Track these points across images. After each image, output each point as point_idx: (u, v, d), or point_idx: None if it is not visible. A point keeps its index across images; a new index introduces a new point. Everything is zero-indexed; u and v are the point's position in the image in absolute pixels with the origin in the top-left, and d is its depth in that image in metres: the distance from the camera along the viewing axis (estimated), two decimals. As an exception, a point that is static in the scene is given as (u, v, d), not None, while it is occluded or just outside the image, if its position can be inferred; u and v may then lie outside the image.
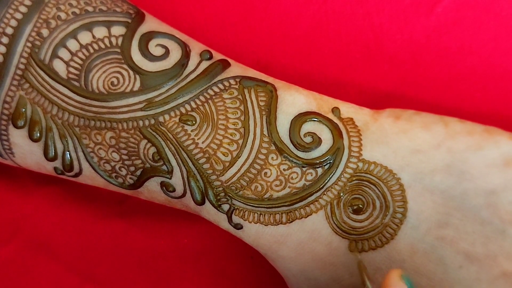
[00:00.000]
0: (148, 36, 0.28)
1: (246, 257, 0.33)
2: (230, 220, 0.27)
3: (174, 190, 0.27)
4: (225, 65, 0.28)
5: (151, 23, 0.28)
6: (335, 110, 0.28)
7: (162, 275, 0.33)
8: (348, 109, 0.28)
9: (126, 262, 0.34)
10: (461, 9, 0.32)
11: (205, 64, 0.28)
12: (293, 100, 0.27)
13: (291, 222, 0.26)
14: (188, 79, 0.27)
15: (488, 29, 0.32)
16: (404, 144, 0.27)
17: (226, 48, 0.32)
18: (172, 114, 0.27)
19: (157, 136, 0.26)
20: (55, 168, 0.28)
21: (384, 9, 0.33)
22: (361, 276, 0.24)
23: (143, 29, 0.28)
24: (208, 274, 0.33)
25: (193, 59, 0.28)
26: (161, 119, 0.26)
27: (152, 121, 0.26)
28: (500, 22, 0.32)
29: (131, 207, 0.34)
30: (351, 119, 0.27)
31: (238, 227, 0.27)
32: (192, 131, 0.26)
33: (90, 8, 0.28)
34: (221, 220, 0.27)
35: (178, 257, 0.33)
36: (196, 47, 0.28)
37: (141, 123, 0.27)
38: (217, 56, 0.28)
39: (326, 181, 0.26)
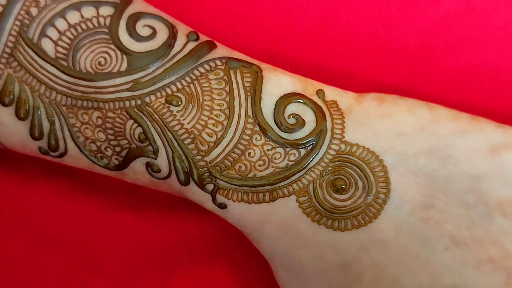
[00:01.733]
0: (136, 17, 0.28)
1: (256, 248, 0.33)
2: (214, 199, 0.27)
3: (159, 171, 0.27)
4: (211, 46, 0.28)
5: (139, 4, 0.29)
6: (320, 93, 0.28)
7: (171, 267, 0.33)
8: (332, 92, 0.28)
9: (134, 254, 0.33)
10: None
11: (191, 45, 0.28)
12: (279, 81, 0.28)
13: (274, 200, 0.27)
14: (175, 60, 0.27)
15: (498, 17, 0.32)
16: (387, 127, 0.27)
17: (234, 39, 0.32)
18: (158, 95, 0.27)
19: (143, 116, 0.27)
20: (40, 148, 0.28)
21: None
22: None
23: (130, 9, 0.28)
24: (218, 266, 0.33)
25: (180, 40, 0.28)
26: (147, 99, 0.27)
27: (139, 102, 0.27)
28: (509, 10, 0.32)
29: (139, 199, 0.34)
30: (335, 102, 0.28)
31: (222, 206, 0.27)
32: (177, 111, 0.27)
33: None
34: (205, 200, 0.27)
35: (187, 249, 0.33)
36: (183, 28, 0.29)
37: (127, 103, 0.27)
38: (204, 38, 0.29)
39: (309, 161, 0.27)
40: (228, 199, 0.27)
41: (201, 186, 0.27)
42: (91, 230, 0.34)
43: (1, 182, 0.34)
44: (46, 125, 0.27)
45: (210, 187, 0.27)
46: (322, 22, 0.33)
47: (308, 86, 0.28)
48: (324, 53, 0.33)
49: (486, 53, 0.32)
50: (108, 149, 0.27)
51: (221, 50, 0.28)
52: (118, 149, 0.27)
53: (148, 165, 0.27)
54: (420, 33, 0.32)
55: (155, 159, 0.27)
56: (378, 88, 0.33)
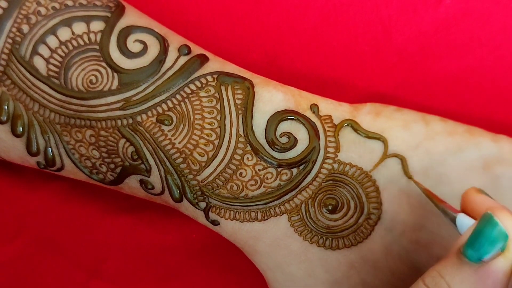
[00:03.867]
0: (127, 31, 0.28)
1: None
2: (207, 216, 0.27)
3: (153, 188, 0.27)
4: (203, 60, 0.28)
5: (130, 17, 0.28)
6: (314, 107, 0.27)
7: (170, 270, 0.34)
8: (327, 106, 0.28)
9: (133, 257, 0.34)
10: (470, 1, 0.31)
11: (183, 60, 0.27)
12: (271, 97, 0.27)
13: (266, 219, 0.27)
14: (166, 77, 0.27)
15: (497, 20, 0.31)
16: (381, 145, 0.27)
17: (234, 41, 0.31)
18: (149, 114, 0.27)
19: (135, 135, 0.27)
20: (38, 163, 0.29)
21: (393, 2, 0.32)
22: (432, 201, 0.24)
23: (122, 23, 0.28)
24: (216, 269, 0.33)
25: (171, 55, 0.27)
26: (138, 118, 0.27)
27: (130, 121, 0.27)
28: (509, 13, 0.31)
29: (138, 202, 0.33)
30: (330, 116, 0.27)
31: (215, 223, 0.27)
32: (169, 131, 0.27)
33: (70, 2, 0.28)
34: (198, 216, 0.28)
35: (186, 252, 0.34)
36: (175, 41, 0.28)
37: (119, 122, 0.27)
38: (196, 50, 0.28)
39: (301, 181, 0.27)
40: (221, 217, 0.27)
41: (194, 203, 0.27)
42: (90, 233, 0.34)
43: (1, 185, 0.35)
44: (41, 142, 0.28)
45: (202, 205, 0.27)
46: (321, 25, 0.32)
47: (301, 101, 0.28)
48: (323, 56, 0.33)
49: (485, 56, 0.31)
50: (102, 165, 0.28)
51: (213, 64, 0.28)
52: (112, 166, 0.28)
53: (142, 182, 0.28)
54: (419, 36, 0.32)
55: (149, 177, 0.27)
56: (377, 91, 0.32)
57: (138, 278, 0.33)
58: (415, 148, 0.26)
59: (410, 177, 0.26)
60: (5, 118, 0.28)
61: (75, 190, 0.34)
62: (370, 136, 0.27)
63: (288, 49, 0.33)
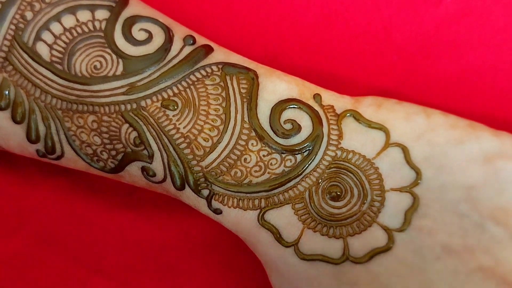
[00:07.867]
0: (132, 20, 0.28)
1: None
2: (209, 205, 0.27)
3: (154, 175, 0.27)
4: (207, 50, 0.28)
5: (135, 7, 0.28)
6: (316, 97, 0.28)
7: (170, 267, 0.33)
8: (329, 96, 0.28)
9: (134, 254, 0.33)
10: (470, 0, 0.32)
11: (188, 49, 0.28)
12: (274, 87, 0.27)
13: (270, 207, 0.27)
14: (171, 64, 0.27)
15: (497, 19, 0.32)
16: (383, 135, 0.27)
17: (234, 40, 0.32)
18: (154, 99, 0.27)
19: (138, 120, 0.27)
20: (37, 151, 0.28)
21: (393, 1, 0.32)
22: None
23: (126, 13, 0.28)
24: (217, 266, 0.33)
25: (176, 44, 0.28)
26: (143, 103, 0.27)
27: (134, 106, 0.27)
28: (509, 12, 0.32)
29: (139, 199, 0.34)
30: (332, 106, 0.28)
31: (218, 212, 0.27)
32: (173, 116, 0.27)
33: None
34: (200, 205, 0.27)
35: (186, 249, 0.33)
36: (180, 32, 0.28)
37: (123, 107, 0.27)
38: (201, 40, 0.28)
39: (305, 167, 0.27)
40: (224, 205, 0.27)
41: (196, 191, 0.27)
42: (90, 230, 0.34)
43: (1, 181, 0.34)
44: (42, 129, 0.27)
45: (205, 192, 0.27)
46: (321, 24, 0.33)
47: (305, 90, 0.28)
48: (323, 54, 0.33)
49: (485, 55, 0.32)
50: (103, 152, 0.27)
51: (218, 55, 0.28)
52: (113, 152, 0.27)
53: (143, 169, 0.27)
54: (419, 35, 0.32)
55: (150, 163, 0.27)
56: (377, 90, 0.33)
57: (138, 274, 0.33)
58: (416, 139, 0.27)
59: (412, 165, 0.26)
60: (5, 104, 0.27)
61: (75, 186, 0.34)
62: (372, 126, 0.27)
63: (288, 48, 0.33)
